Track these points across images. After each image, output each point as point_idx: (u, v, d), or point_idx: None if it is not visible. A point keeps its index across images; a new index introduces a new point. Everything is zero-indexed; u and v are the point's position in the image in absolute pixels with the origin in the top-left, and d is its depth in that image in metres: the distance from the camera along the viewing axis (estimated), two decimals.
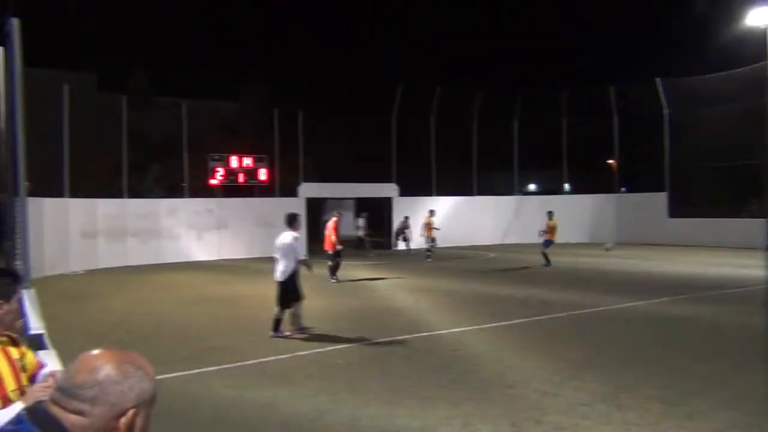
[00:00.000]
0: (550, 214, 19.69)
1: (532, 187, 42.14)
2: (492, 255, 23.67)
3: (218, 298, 13.70)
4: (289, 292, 9.49)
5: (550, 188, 36.50)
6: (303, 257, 9.76)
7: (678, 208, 27.31)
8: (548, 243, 19.34)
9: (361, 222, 25.68)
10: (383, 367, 7.65)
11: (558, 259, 19.39)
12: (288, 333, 9.39)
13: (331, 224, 16.44)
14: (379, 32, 53.65)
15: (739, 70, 24.45)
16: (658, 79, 27.41)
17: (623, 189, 31.08)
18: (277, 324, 9.44)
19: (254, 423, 5.82)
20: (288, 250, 9.46)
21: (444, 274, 17.76)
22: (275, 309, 9.50)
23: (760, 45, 19.70)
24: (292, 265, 9.48)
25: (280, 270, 9.49)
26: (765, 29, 19.29)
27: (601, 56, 49.93)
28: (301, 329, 9.58)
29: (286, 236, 9.58)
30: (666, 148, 27.62)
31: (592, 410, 5.93)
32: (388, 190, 27.19)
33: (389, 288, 15.01)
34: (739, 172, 24.98)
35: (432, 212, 22.57)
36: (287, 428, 5.68)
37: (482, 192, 29.76)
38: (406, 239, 24.58)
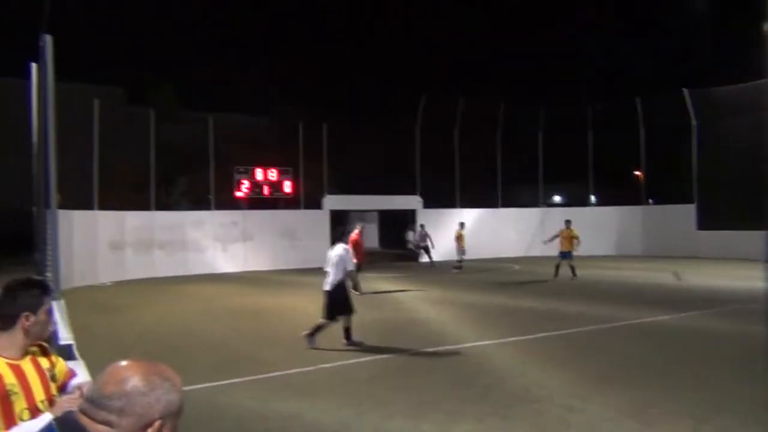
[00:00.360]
0: (567, 223, 19.14)
1: (557, 199, 41.74)
2: (516, 267, 23.49)
3: (243, 309, 13.80)
4: (337, 302, 9.62)
5: (576, 200, 36.10)
6: (351, 269, 10.02)
7: (706, 221, 26.81)
8: (569, 254, 18.81)
9: (411, 235, 25.66)
10: (407, 380, 7.62)
11: (582, 272, 19.11)
12: (315, 346, 9.39)
13: (352, 237, 16.47)
14: (402, 44, 53.88)
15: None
16: (685, 90, 27.09)
17: (650, 201, 30.63)
18: (316, 329, 9.51)
19: None
20: (339, 260, 9.76)
21: (467, 287, 17.66)
22: (321, 319, 9.62)
23: None
24: (340, 276, 9.72)
25: (329, 280, 9.74)
26: None
27: (627, 67, 49.49)
28: (352, 343, 9.61)
29: (339, 248, 9.96)
30: (694, 160, 27.21)
31: (619, 426, 5.84)
32: (412, 202, 27.18)
33: (412, 300, 14.97)
34: None
35: (462, 225, 22.49)
36: None
37: (507, 204, 29.55)
38: (426, 249, 24.35)
